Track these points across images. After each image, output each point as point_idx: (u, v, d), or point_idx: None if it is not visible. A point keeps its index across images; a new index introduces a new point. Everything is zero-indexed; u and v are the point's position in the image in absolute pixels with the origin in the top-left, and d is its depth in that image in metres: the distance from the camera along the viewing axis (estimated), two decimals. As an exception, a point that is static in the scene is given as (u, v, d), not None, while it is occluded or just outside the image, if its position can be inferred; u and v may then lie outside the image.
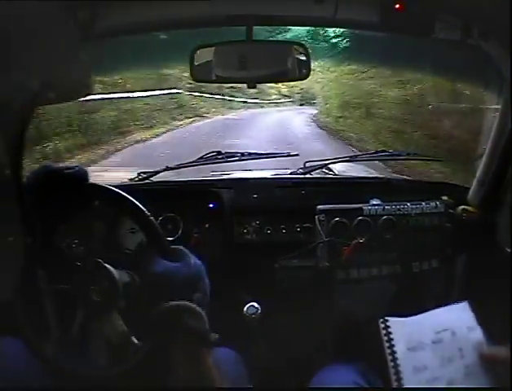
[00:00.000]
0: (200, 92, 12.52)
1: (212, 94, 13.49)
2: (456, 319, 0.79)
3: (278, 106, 18.26)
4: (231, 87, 13.87)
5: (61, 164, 0.79)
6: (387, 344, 0.76)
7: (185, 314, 0.70)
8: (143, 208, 0.78)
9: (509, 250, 1.11)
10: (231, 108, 14.91)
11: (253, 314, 1.24)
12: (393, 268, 1.26)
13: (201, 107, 12.74)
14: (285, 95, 20.04)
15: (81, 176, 0.78)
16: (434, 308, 0.82)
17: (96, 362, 0.76)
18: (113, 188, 0.80)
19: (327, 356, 1.11)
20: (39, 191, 0.75)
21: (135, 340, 0.75)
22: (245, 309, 1.25)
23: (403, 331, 0.78)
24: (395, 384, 0.73)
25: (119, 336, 0.75)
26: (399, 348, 0.76)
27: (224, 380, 0.69)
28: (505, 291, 0.99)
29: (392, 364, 0.75)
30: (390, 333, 0.77)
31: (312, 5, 0.96)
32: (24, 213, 0.61)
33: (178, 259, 0.76)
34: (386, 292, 1.27)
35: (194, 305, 0.71)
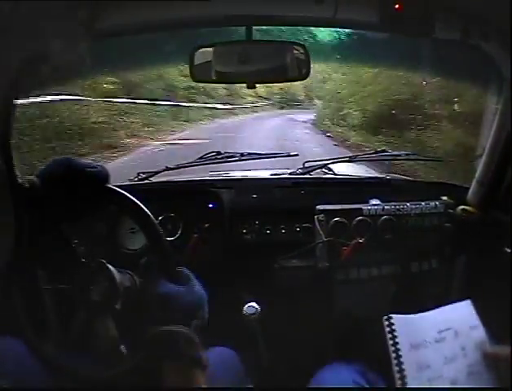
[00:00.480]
0: (130, 98, 6.67)
1: (156, 100, 7.50)
2: (458, 318, 0.79)
3: (256, 111, 14.41)
4: (192, 88, 9.65)
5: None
6: (391, 342, 0.76)
7: (180, 339, 0.70)
8: (145, 208, 0.78)
9: (508, 250, 1.11)
10: (185, 122, 9.13)
11: (253, 314, 1.24)
12: (393, 268, 1.26)
13: (119, 129, 6.19)
14: (264, 97, 16.56)
15: (102, 177, 0.75)
16: (433, 308, 0.82)
17: (96, 362, 0.76)
18: (116, 188, 0.80)
19: (327, 356, 1.11)
20: (55, 182, 0.72)
21: (123, 350, 0.74)
22: (245, 309, 1.24)
23: (406, 328, 0.78)
24: (398, 383, 0.73)
25: (108, 340, 0.75)
26: (403, 345, 0.76)
27: None
28: (504, 291, 0.99)
29: (396, 362, 0.75)
30: (394, 330, 0.77)
31: (312, 5, 0.96)
32: (28, 205, 0.61)
33: (182, 282, 0.75)
34: (386, 292, 1.27)
35: (190, 332, 0.71)
